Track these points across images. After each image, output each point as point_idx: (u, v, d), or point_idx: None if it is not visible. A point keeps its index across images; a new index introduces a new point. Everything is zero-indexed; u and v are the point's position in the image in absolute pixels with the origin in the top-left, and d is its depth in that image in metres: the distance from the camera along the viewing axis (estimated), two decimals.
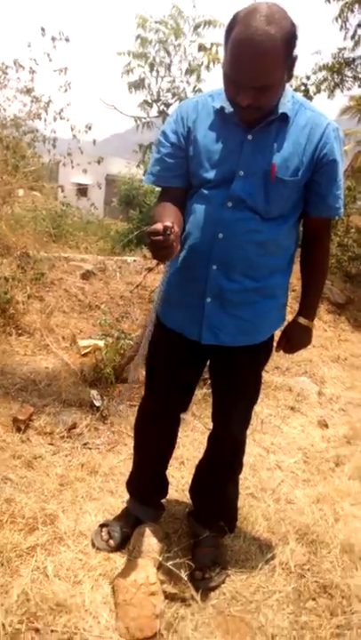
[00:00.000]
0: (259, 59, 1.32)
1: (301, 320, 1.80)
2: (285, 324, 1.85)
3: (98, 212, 12.22)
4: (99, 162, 5.66)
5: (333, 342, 4.98)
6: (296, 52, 1.40)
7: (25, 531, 1.95)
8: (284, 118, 1.50)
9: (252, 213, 1.55)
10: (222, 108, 1.54)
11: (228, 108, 1.51)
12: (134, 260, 4.79)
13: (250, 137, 1.51)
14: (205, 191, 1.59)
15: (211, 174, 1.57)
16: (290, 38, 1.35)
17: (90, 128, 5.45)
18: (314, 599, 1.84)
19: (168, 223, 1.33)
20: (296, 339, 1.82)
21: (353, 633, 1.71)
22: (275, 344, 1.85)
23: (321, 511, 2.33)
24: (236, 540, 2.08)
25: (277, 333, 1.84)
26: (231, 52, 1.36)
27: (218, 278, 1.61)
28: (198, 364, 1.87)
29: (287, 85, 1.52)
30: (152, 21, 3.04)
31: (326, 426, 3.27)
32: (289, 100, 1.51)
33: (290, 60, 1.39)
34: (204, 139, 1.57)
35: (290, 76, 1.45)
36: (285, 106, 1.50)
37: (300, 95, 1.60)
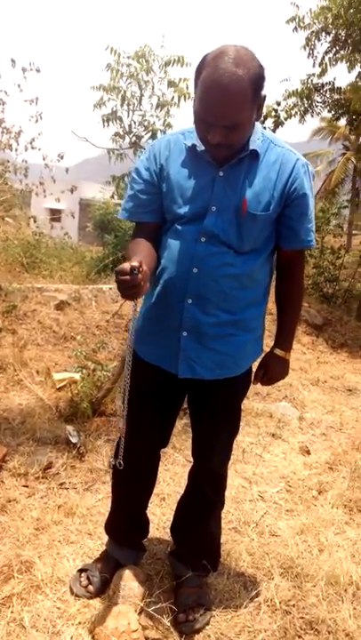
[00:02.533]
0: (227, 99, 1.36)
1: (278, 351, 1.80)
2: (262, 355, 1.84)
3: (72, 239, 12.20)
4: (72, 190, 5.66)
5: (313, 365, 5.00)
6: (264, 92, 1.43)
7: (0, 580, 1.87)
8: (255, 155, 1.54)
9: (226, 248, 1.57)
10: (194, 146, 1.56)
11: (200, 146, 1.54)
12: (110, 288, 4.76)
13: (221, 173, 1.54)
14: (179, 227, 1.61)
15: (184, 210, 1.58)
16: (257, 79, 1.38)
17: (62, 157, 5.47)
18: (300, 636, 1.80)
19: (135, 263, 1.33)
20: (273, 370, 1.82)
21: None
22: (252, 375, 1.84)
23: (305, 543, 2.30)
24: (220, 577, 2.03)
25: (255, 365, 1.83)
26: (201, 92, 1.39)
27: (193, 312, 1.61)
28: (177, 399, 1.84)
29: (257, 123, 1.55)
30: (124, 56, 3.09)
31: (308, 452, 3.25)
32: (259, 137, 1.55)
33: (258, 100, 1.43)
34: (177, 175, 1.59)
35: (259, 115, 1.48)
36: (255, 143, 1.53)
37: (269, 132, 1.63)
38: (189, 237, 1.58)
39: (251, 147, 1.52)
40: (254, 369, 1.84)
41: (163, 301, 1.65)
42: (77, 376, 3.22)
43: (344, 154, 27.17)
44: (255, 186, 1.54)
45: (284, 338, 1.81)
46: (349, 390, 4.73)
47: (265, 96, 1.45)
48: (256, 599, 1.94)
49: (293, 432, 3.54)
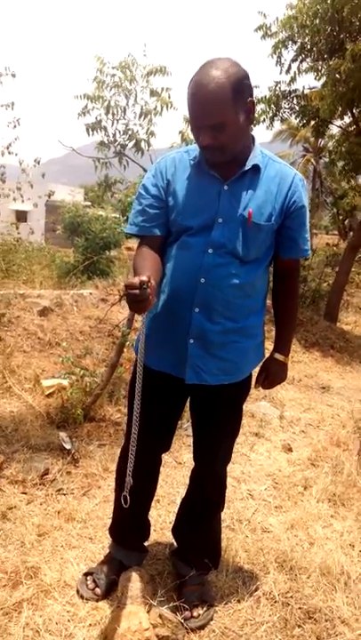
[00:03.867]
0: (207, 98, 1.48)
1: (278, 356, 1.90)
2: (263, 360, 1.93)
3: (39, 239, 12.07)
4: (49, 195, 5.65)
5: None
6: (250, 98, 1.54)
7: (9, 586, 1.91)
8: (257, 169, 1.65)
9: (232, 258, 1.66)
10: (199, 162, 1.66)
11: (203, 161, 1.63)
12: (90, 293, 4.79)
13: (226, 187, 1.64)
14: (186, 238, 1.69)
15: (191, 222, 1.67)
16: (236, 80, 1.49)
17: (39, 162, 5.44)
18: (300, 626, 1.90)
19: (144, 277, 1.39)
20: (274, 374, 1.92)
21: None
22: (253, 380, 1.93)
23: (296, 537, 2.41)
24: (220, 574, 2.12)
25: (255, 370, 1.92)
26: (188, 98, 1.52)
27: (200, 321, 1.69)
28: (179, 404, 1.92)
29: (256, 142, 1.67)
30: (109, 66, 3.14)
31: (291, 450, 3.39)
32: (258, 154, 1.67)
33: (241, 102, 1.51)
34: (184, 189, 1.68)
35: (250, 121, 1.58)
36: (256, 159, 1.65)
37: (267, 150, 1.73)
38: (197, 249, 1.66)
39: (252, 162, 1.63)
40: (254, 373, 1.93)
41: (169, 310, 1.73)
42: (66, 382, 3.25)
43: (304, 155, 27.85)
44: (258, 198, 1.64)
45: (283, 343, 1.92)
46: (323, 388, 4.91)
47: (252, 102, 1.55)
48: (255, 593, 2.04)
49: (275, 431, 3.67)
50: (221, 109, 1.48)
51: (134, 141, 3.22)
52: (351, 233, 11.70)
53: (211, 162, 1.62)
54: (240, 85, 1.49)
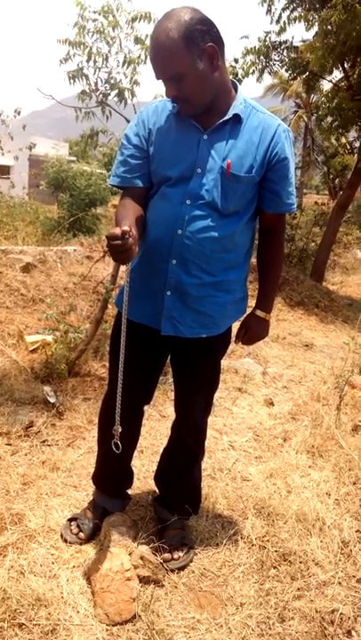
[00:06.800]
0: (158, 52, 1.48)
1: (258, 312, 1.90)
2: (244, 316, 1.94)
3: (21, 193, 11.81)
4: (30, 148, 5.50)
5: (272, 322, 5.17)
6: (210, 43, 1.47)
7: None
8: (238, 119, 1.61)
9: (210, 210, 1.64)
10: (179, 111, 1.61)
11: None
12: (74, 250, 4.74)
13: (205, 136, 1.61)
14: (166, 189, 1.67)
15: (170, 172, 1.65)
16: (188, 29, 1.44)
17: (19, 113, 5.27)
18: (275, 567, 1.99)
19: (126, 227, 1.39)
20: (254, 331, 1.93)
21: (312, 593, 1.88)
22: (233, 336, 1.95)
23: (274, 485, 2.50)
24: (200, 519, 2.20)
25: (236, 325, 1.93)
26: None
27: (177, 273, 1.69)
28: (159, 357, 1.94)
29: (240, 90, 1.63)
30: (90, 11, 3.01)
31: (272, 404, 3.46)
32: (241, 102, 1.63)
33: (196, 50, 1.47)
34: (164, 139, 1.65)
35: (214, 67, 1.52)
36: (237, 108, 1.61)
37: (251, 99, 1.69)
38: (175, 200, 1.65)
39: (233, 111, 1.59)
40: (235, 329, 1.95)
41: (148, 262, 1.73)
42: (49, 338, 3.26)
43: (296, 112, 27.25)
44: (238, 149, 1.61)
45: (265, 299, 1.91)
46: (306, 346, 4.98)
47: (212, 47, 1.48)
48: (234, 537, 2.12)
49: (258, 386, 3.74)
50: (173, 60, 1.46)
51: (117, 91, 3.12)
52: (341, 193, 11.63)
53: (183, 113, 1.59)
54: (192, 32, 1.44)
